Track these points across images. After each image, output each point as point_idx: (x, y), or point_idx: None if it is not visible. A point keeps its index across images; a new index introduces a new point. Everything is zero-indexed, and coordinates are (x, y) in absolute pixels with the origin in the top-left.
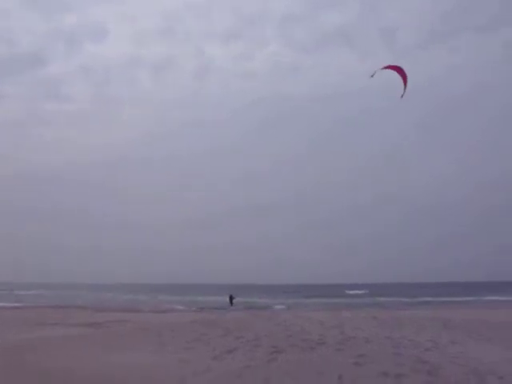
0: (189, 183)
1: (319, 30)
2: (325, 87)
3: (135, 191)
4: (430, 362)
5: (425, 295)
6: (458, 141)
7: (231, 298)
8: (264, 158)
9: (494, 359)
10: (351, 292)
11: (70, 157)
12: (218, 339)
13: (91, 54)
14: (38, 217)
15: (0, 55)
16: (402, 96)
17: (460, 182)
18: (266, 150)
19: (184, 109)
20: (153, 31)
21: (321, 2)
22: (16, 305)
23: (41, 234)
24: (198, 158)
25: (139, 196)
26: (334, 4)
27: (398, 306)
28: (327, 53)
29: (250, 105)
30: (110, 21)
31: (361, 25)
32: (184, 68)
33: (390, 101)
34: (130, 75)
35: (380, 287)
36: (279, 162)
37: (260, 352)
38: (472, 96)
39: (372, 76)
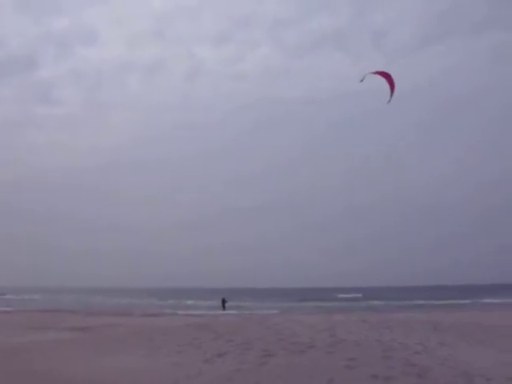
0: (181, 185)
1: (311, 34)
2: (317, 90)
3: (127, 194)
4: (419, 365)
5: (419, 298)
6: (455, 141)
7: (224, 302)
8: (256, 160)
9: (485, 362)
10: (345, 296)
11: (62, 160)
12: (210, 343)
13: (82, 57)
14: (30, 220)
15: None
16: (388, 102)
17: (458, 183)
18: (258, 152)
19: (175, 111)
20: (144, 34)
21: (312, 5)
22: (7, 309)
23: (33, 238)
24: (189, 160)
25: (131, 199)
26: (325, 7)
27: (389, 309)
28: (319, 56)
29: (242, 107)
30: (100, 24)
31: (353, 28)
32: (175, 71)
33: (383, 103)
34: (121, 78)
35: (375, 291)
36: (271, 165)
37: (251, 355)
38: (466, 97)
39: (361, 80)
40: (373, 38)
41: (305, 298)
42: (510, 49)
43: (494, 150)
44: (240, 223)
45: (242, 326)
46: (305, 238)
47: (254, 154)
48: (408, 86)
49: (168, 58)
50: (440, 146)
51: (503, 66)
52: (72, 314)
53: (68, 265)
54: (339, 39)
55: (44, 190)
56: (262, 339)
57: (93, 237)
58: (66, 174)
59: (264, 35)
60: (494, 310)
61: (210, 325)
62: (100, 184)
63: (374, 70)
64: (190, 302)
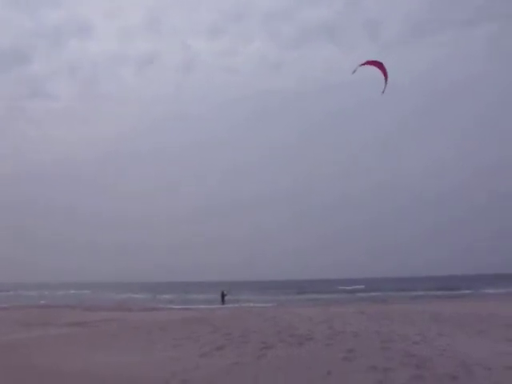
0: (177, 178)
1: (304, 25)
2: (311, 81)
3: (125, 187)
4: (418, 356)
5: (419, 289)
6: (452, 127)
7: (223, 295)
8: (253, 150)
9: (483, 351)
10: (346, 287)
11: (59, 153)
12: (208, 336)
13: (76, 50)
14: (26, 214)
15: None
16: (383, 92)
17: (455, 168)
18: (255, 142)
19: (170, 103)
20: (138, 26)
21: None
22: (3, 305)
23: (29, 232)
24: (185, 151)
25: (129, 192)
26: None
27: (389, 300)
28: (312, 47)
29: (237, 99)
30: (94, 17)
31: (345, 19)
32: (169, 63)
33: (378, 93)
34: (116, 71)
35: (377, 282)
36: (268, 155)
37: (249, 348)
38: (463, 84)
39: (354, 72)
40: (366, 28)
41: (305, 291)
42: (506, 37)
43: (492, 135)
44: (237, 215)
45: (239, 318)
46: (303, 228)
47: (251, 145)
48: (402, 76)
49: (162, 50)
50: (437, 132)
51: (498, 54)
52: (69, 310)
53: (66, 259)
54: (332, 30)
55: (37, 184)
56: (260, 332)
57: (89, 231)
58: (63, 167)
59: (258, 27)
60: (492, 300)
61: (208, 318)
62: (97, 176)
63: (365, 61)
64: (188, 296)
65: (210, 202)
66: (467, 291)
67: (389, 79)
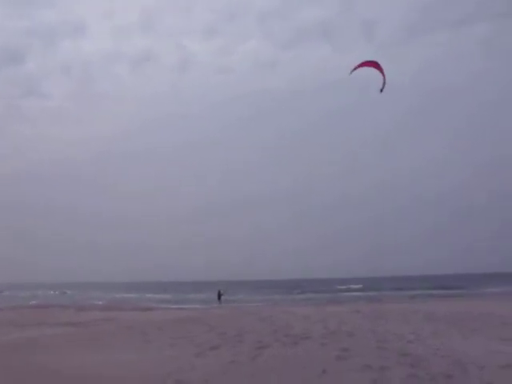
0: (175, 177)
1: (299, 25)
2: (306, 81)
3: (123, 187)
4: (413, 355)
5: (417, 288)
6: (451, 127)
7: (219, 295)
8: (251, 150)
9: (477, 350)
10: (343, 287)
11: (56, 153)
12: (203, 336)
13: (70, 49)
14: (26, 214)
15: None
16: (381, 90)
17: (455, 168)
18: (253, 142)
19: (166, 103)
20: (133, 26)
21: None
22: None
23: (29, 232)
24: (186, 151)
25: (128, 192)
26: None
27: (384, 299)
28: (307, 47)
29: (232, 99)
30: (89, 16)
31: (340, 19)
32: (165, 63)
33: (375, 92)
34: (110, 70)
35: (376, 281)
36: (265, 155)
37: (245, 348)
38: (460, 84)
39: (350, 73)
40: (362, 28)
41: (302, 290)
42: (500, 37)
43: (491, 135)
44: (237, 215)
45: (235, 318)
46: (303, 228)
47: (250, 145)
48: (398, 75)
49: (158, 50)
50: (434, 132)
51: (493, 53)
52: (63, 310)
53: (65, 259)
54: (327, 30)
55: (33, 184)
56: (255, 331)
57: (90, 230)
58: (63, 167)
59: (253, 27)
60: (489, 299)
61: (204, 318)
62: (96, 176)
63: (362, 62)
64: (184, 296)
65: (210, 201)
66: (465, 290)
67: (385, 79)
